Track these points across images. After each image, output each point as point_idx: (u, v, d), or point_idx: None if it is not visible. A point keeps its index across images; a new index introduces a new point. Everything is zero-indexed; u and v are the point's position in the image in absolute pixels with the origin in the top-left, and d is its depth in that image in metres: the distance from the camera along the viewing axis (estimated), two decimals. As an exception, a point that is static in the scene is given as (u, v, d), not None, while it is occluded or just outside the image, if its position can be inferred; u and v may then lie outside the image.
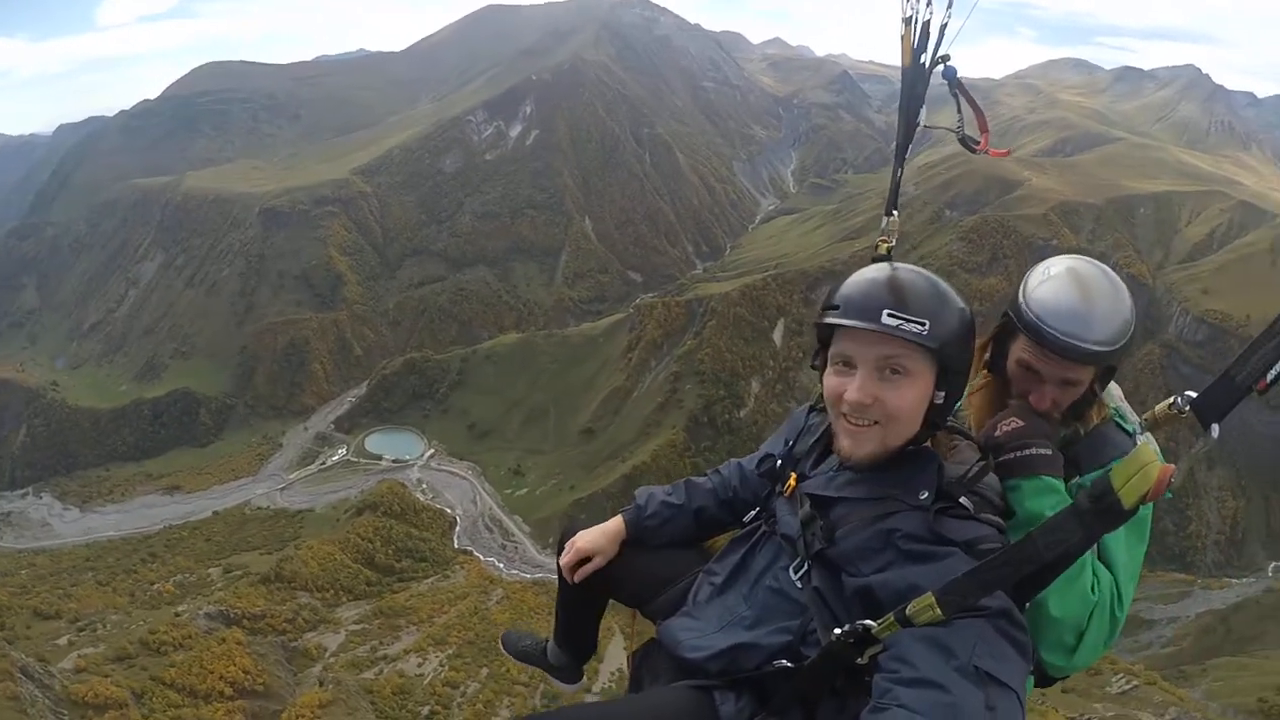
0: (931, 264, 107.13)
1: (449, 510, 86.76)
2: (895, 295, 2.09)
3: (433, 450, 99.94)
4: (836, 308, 2.16)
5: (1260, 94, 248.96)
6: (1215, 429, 1.62)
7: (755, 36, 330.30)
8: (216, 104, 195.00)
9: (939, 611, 1.74)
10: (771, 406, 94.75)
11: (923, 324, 2.04)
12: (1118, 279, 2.60)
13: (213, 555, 78.57)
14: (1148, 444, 1.75)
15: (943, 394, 2.15)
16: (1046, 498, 2.33)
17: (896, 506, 2.10)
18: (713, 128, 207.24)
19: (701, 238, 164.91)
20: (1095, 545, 2.38)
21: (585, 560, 2.92)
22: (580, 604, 3.21)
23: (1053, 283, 2.58)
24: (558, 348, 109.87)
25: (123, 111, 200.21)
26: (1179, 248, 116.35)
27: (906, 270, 2.19)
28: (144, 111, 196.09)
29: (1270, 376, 1.52)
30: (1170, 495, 2.10)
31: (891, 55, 2.92)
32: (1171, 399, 1.77)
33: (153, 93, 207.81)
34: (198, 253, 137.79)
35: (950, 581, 1.76)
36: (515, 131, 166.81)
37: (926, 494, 2.08)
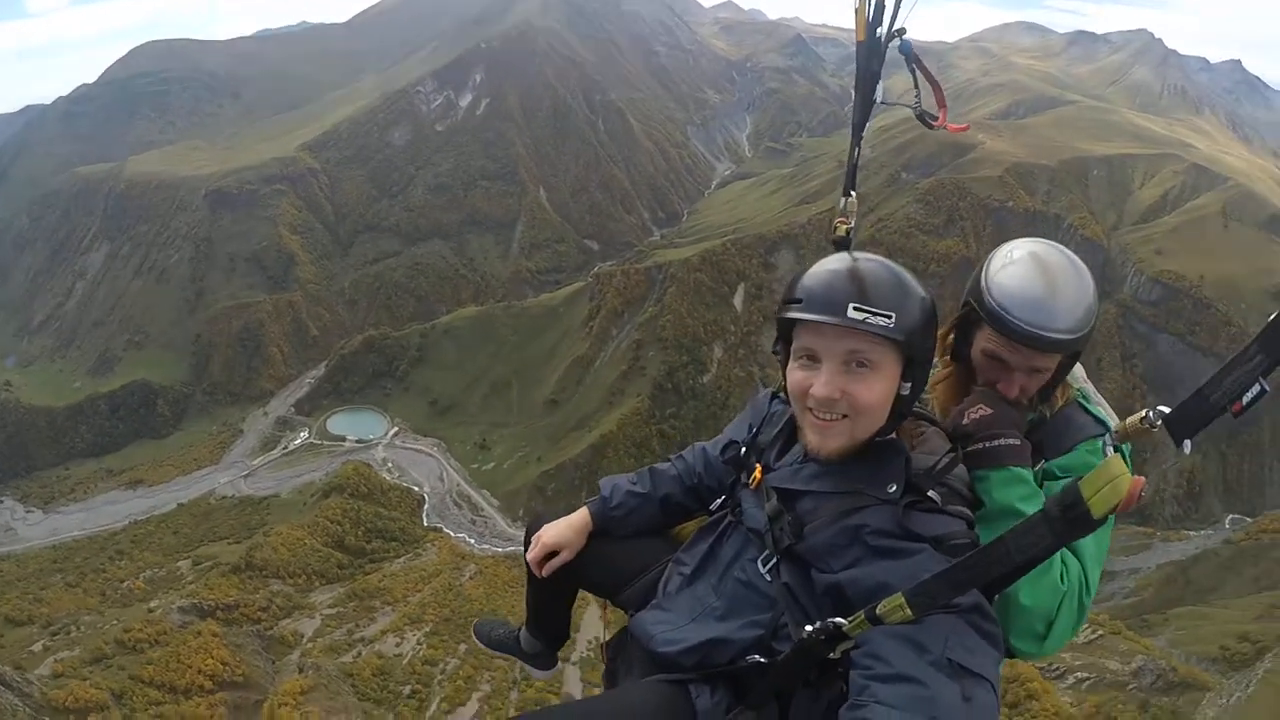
0: (889, 226, 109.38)
1: (416, 488, 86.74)
2: (859, 288, 2.07)
3: (396, 429, 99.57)
4: (799, 301, 2.13)
5: (1213, 59, 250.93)
6: (1188, 445, 1.63)
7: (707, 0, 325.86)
8: (156, 85, 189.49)
9: (909, 612, 1.74)
10: (735, 371, 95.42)
11: (889, 316, 2.02)
12: (1080, 263, 2.58)
13: (181, 548, 78.17)
14: (1118, 457, 1.75)
15: (909, 385, 2.15)
16: (1015, 488, 2.35)
17: (865, 501, 2.09)
18: (666, 93, 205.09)
19: (658, 204, 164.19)
20: None
21: (552, 554, 2.89)
22: (550, 595, 3.20)
23: (1015, 269, 2.56)
24: (517, 319, 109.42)
25: (60, 98, 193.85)
26: (1132, 209, 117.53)
27: (868, 260, 2.17)
28: (82, 97, 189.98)
29: (1246, 399, 1.51)
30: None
31: (845, 18, 2.89)
32: (1144, 412, 1.74)
33: (89, 78, 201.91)
34: (144, 240, 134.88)
35: (921, 583, 1.75)
36: (465, 101, 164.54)
37: (894, 487, 2.08)
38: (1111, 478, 1.60)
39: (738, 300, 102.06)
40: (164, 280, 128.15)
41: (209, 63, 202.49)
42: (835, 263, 2.18)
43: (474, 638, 3.75)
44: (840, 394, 2.11)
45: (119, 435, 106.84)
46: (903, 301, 2.07)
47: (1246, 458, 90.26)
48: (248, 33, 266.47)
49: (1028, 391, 2.61)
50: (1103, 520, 1.64)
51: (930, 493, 2.08)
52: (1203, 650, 46.65)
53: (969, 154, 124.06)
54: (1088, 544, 2.40)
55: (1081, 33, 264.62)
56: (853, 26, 2.80)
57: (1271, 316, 1.44)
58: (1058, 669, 40.07)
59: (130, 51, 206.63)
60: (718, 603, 2.37)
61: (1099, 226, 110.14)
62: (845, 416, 2.14)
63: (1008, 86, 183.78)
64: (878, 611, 1.79)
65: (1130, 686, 38.15)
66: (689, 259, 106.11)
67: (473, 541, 76.45)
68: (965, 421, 2.42)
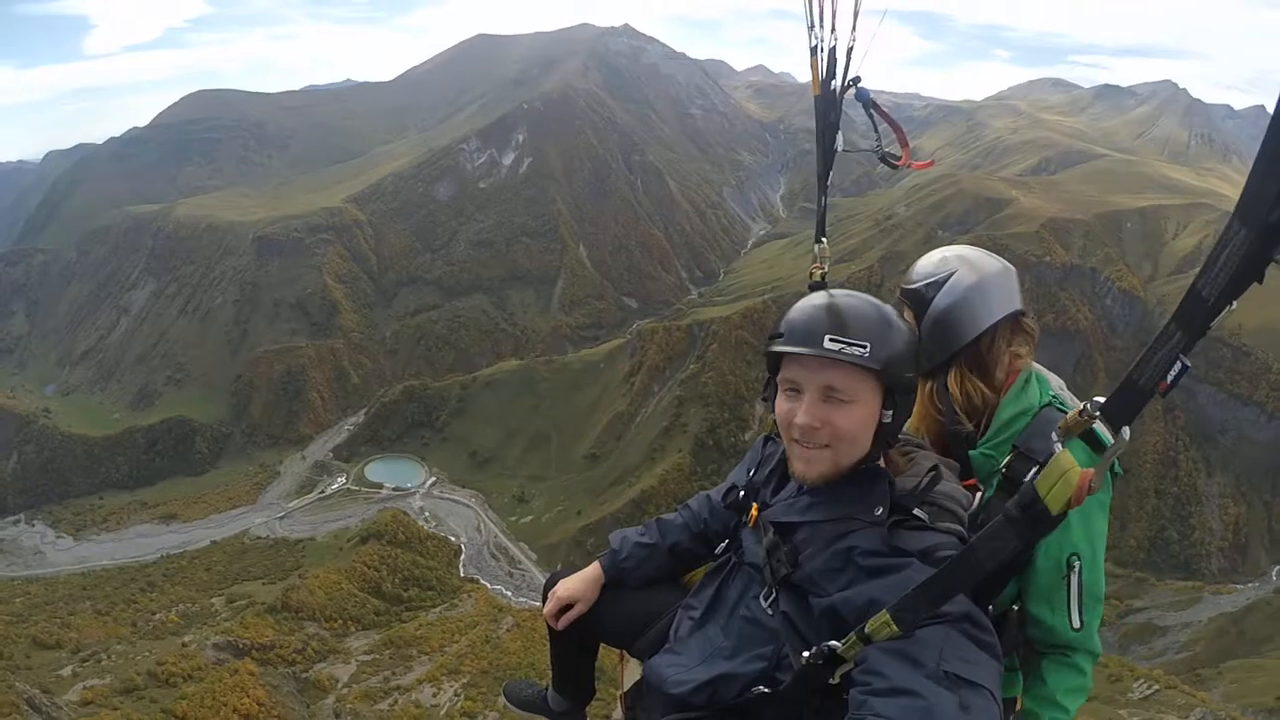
0: None
1: (453, 538, 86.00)
2: (836, 320, 2.15)
3: (434, 478, 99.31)
4: (781, 335, 2.23)
5: (1237, 106, 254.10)
6: (1126, 432, 1.63)
7: (739, 64, 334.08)
8: (206, 132, 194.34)
9: (895, 628, 1.80)
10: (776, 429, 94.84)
11: (864, 346, 2.09)
12: (964, 249, 3.00)
13: (214, 585, 77.48)
14: (1067, 452, 1.76)
15: (890, 413, 2.20)
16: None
17: (854, 525, 2.15)
18: (701, 154, 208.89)
19: (695, 263, 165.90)
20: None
21: (568, 608, 2.97)
22: (572, 651, 3.26)
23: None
24: (558, 374, 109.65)
25: (112, 139, 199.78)
26: (1167, 260, 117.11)
27: (846, 296, 2.25)
28: (134, 139, 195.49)
29: (1170, 378, 1.54)
30: (1119, 472, 2.37)
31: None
32: (1081, 406, 1.74)
33: (140, 121, 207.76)
34: (190, 280, 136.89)
35: (903, 598, 1.80)
36: (508, 160, 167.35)
37: (881, 509, 2.14)
38: (1062, 472, 1.67)
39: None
40: (208, 321, 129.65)
41: (258, 114, 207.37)
42: (816, 298, 2.28)
43: (504, 699, 3.83)
44: (821, 423, 2.18)
45: (154, 469, 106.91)
46: (881, 333, 2.13)
47: None
48: (296, 88, 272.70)
49: None
50: (1062, 515, 1.70)
51: (918, 511, 2.12)
52: (1258, 702, 45.57)
53: (1004, 210, 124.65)
54: (1080, 541, 2.52)
55: (1107, 86, 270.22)
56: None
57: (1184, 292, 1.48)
58: None
59: (182, 99, 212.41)
60: (726, 642, 2.43)
61: (1136, 279, 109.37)
62: (828, 445, 2.21)
63: (1037, 143, 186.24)
64: (867, 630, 1.85)
65: (1191, 738, 36.98)
66: (730, 316, 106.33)
67: (509, 594, 75.56)
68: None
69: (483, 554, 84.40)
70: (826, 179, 3.26)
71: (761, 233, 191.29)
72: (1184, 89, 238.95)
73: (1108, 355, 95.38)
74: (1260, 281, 1.36)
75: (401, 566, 76.05)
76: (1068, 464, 1.69)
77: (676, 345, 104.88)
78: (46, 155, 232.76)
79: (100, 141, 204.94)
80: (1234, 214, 1.29)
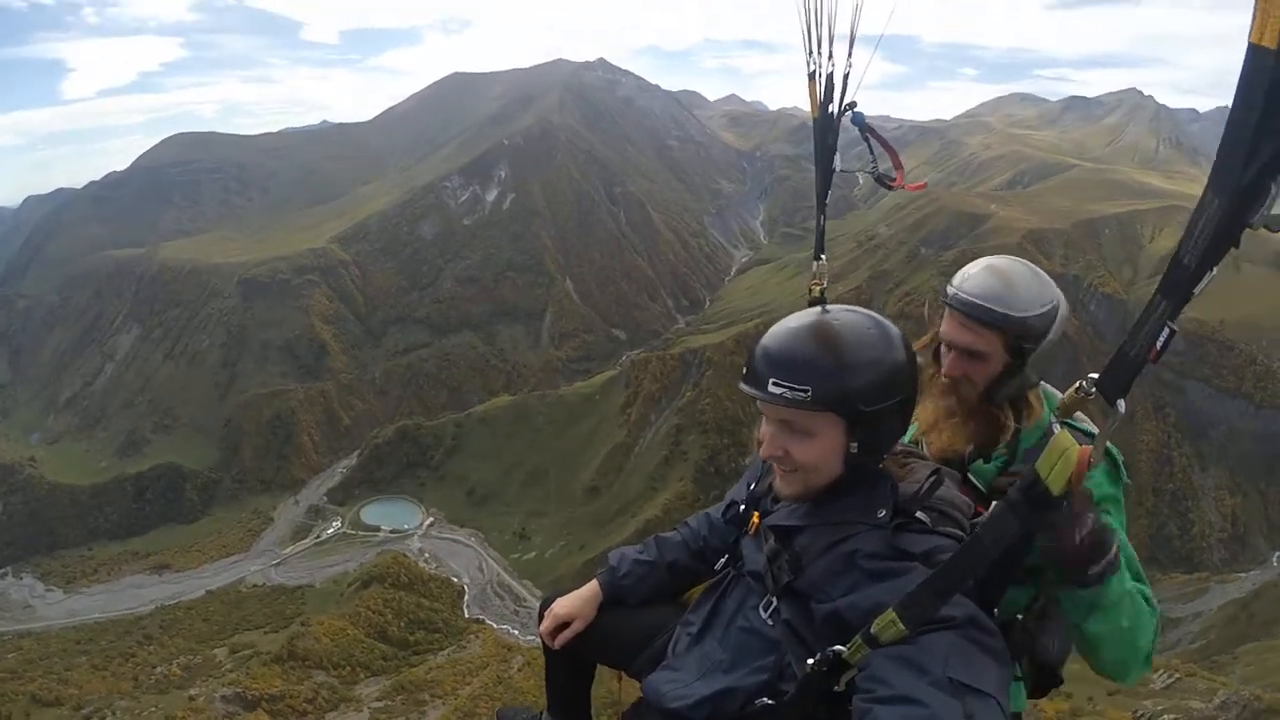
0: (916, 299, 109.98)
1: (455, 579, 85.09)
2: (780, 363, 2.12)
3: (432, 519, 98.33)
4: (744, 371, 2.22)
5: (1201, 109, 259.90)
6: (1121, 404, 1.65)
7: (711, 94, 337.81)
8: (186, 175, 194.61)
9: (902, 626, 1.80)
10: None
11: (805, 391, 2.06)
12: (1034, 268, 2.76)
13: (214, 635, 76.07)
14: (1065, 432, 1.77)
15: (856, 445, 2.16)
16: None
17: (856, 529, 2.14)
18: (681, 184, 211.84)
19: (681, 292, 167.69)
20: None
21: (564, 626, 2.94)
22: (567, 672, 3.22)
23: (975, 264, 2.82)
24: (553, 408, 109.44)
25: (92, 182, 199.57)
26: (1146, 263, 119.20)
27: (806, 329, 2.19)
28: (113, 183, 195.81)
29: (1159, 344, 1.57)
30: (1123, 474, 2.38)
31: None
32: (1077, 384, 1.76)
33: (118, 165, 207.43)
34: (175, 324, 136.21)
35: (909, 594, 1.81)
36: (491, 196, 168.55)
37: (884, 512, 2.13)
38: (1061, 451, 1.69)
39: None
40: (195, 365, 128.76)
41: (238, 156, 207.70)
42: (779, 329, 2.24)
43: None
44: (782, 452, 2.20)
45: (145, 518, 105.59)
46: (829, 373, 2.08)
47: None
48: (273, 130, 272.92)
49: (972, 380, 2.72)
50: (1063, 496, 1.73)
51: (919, 515, 2.11)
52: (1277, 680, 45.49)
53: (984, 225, 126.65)
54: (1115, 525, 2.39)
55: (1074, 98, 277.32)
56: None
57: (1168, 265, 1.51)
58: (1142, 715, 39.12)
59: (161, 142, 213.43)
60: (723, 655, 2.40)
61: (1117, 283, 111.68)
62: (795, 470, 2.22)
63: (1011, 157, 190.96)
64: (873, 631, 1.85)
65: (1220, 720, 37.09)
66: (723, 342, 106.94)
67: (517, 632, 74.48)
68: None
69: (486, 593, 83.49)
70: (825, 198, 3.26)
71: (744, 259, 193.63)
72: (1149, 96, 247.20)
73: (1095, 360, 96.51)
74: (1237, 246, 1.40)
75: (406, 610, 74.95)
76: (1066, 443, 1.71)
77: (670, 374, 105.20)
78: (25, 200, 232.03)
79: (79, 186, 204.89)
80: (1207, 185, 1.36)
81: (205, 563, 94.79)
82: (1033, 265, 2.76)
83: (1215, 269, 1.43)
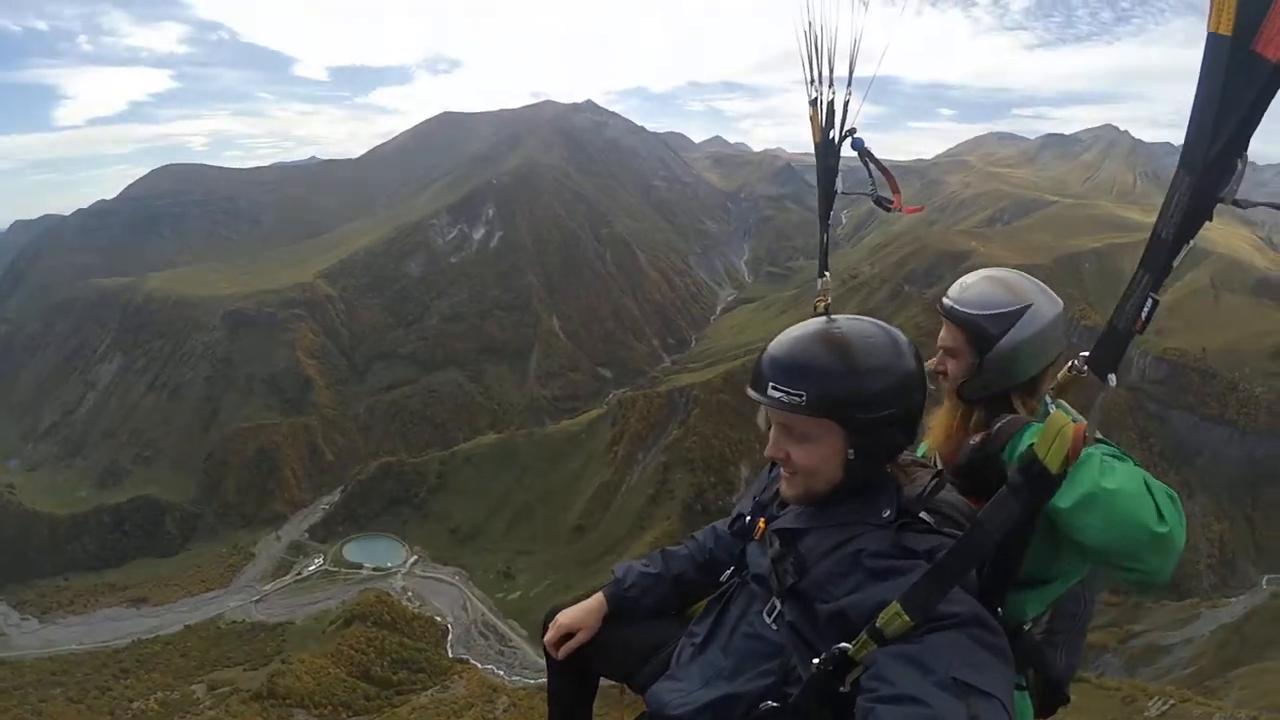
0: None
1: (439, 618, 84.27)
2: (780, 367, 2.18)
3: (415, 557, 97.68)
4: (751, 374, 2.31)
5: (1176, 142, 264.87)
6: (1112, 378, 1.75)
7: (696, 136, 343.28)
8: (174, 206, 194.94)
9: (907, 618, 1.80)
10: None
11: (799, 395, 2.10)
12: (1017, 277, 2.83)
13: (192, 671, 75.02)
14: (1059, 412, 1.83)
15: (854, 451, 2.19)
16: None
17: (860, 529, 2.16)
18: (666, 224, 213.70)
19: (667, 331, 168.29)
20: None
21: (569, 636, 2.95)
22: (570, 687, 3.18)
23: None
24: (539, 446, 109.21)
25: (80, 210, 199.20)
26: None
27: (811, 335, 2.25)
28: (101, 211, 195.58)
29: (1144, 316, 1.73)
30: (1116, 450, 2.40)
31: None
32: (1069, 363, 1.83)
33: (106, 194, 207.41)
34: (159, 355, 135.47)
35: (913, 585, 1.82)
36: (479, 234, 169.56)
37: (889, 511, 2.16)
38: (1057, 430, 1.75)
39: (761, 419, 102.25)
40: (177, 397, 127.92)
41: (227, 188, 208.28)
42: (779, 339, 2.31)
43: None
44: (784, 455, 2.27)
45: (122, 550, 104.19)
46: (828, 379, 2.12)
47: (1273, 517, 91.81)
48: (264, 164, 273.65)
49: (951, 376, 2.85)
50: (1062, 475, 1.78)
51: (922, 515, 2.14)
52: (1272, 703, 45.52)
53: (966, 261, 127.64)
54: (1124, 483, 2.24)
55: (1052, 135, 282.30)
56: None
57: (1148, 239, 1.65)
58: None
59: (150, 172, 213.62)
60: (726, 662, 2.42)
61: (1098, 315, 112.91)
62: (797, 473, 2.28)
63: (991, 195, 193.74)
64: (878, 624, 1.85)
65: (1217, 744, 37.18)
66: (710, 380, 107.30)
67: (502, 673, 73.85)
68: (974, 440, 2.51)
69: (471, 633, 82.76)
70: (828, 219, 3.44)
71: (729, 298, 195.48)
72: (1125, 131, 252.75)
73: (1079, 390, 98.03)
74: (1210, 219, 1.49)
75: (389, 649, 74.11)
76: (1062, 421, 1.76)
77: (657, 412, 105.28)
78: (12, 225, 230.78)
79: (67, 213, 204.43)
80: (1179, 164, 1.49)
81: (184, 597, 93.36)
82: (1019, 274, 2.84)
83: (1191, 242, 1.56)
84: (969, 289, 2.81)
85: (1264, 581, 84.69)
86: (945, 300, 2.85)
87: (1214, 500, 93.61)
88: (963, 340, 2.78)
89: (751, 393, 2.24)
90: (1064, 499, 2.12)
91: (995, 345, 2.71)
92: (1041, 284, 2.81)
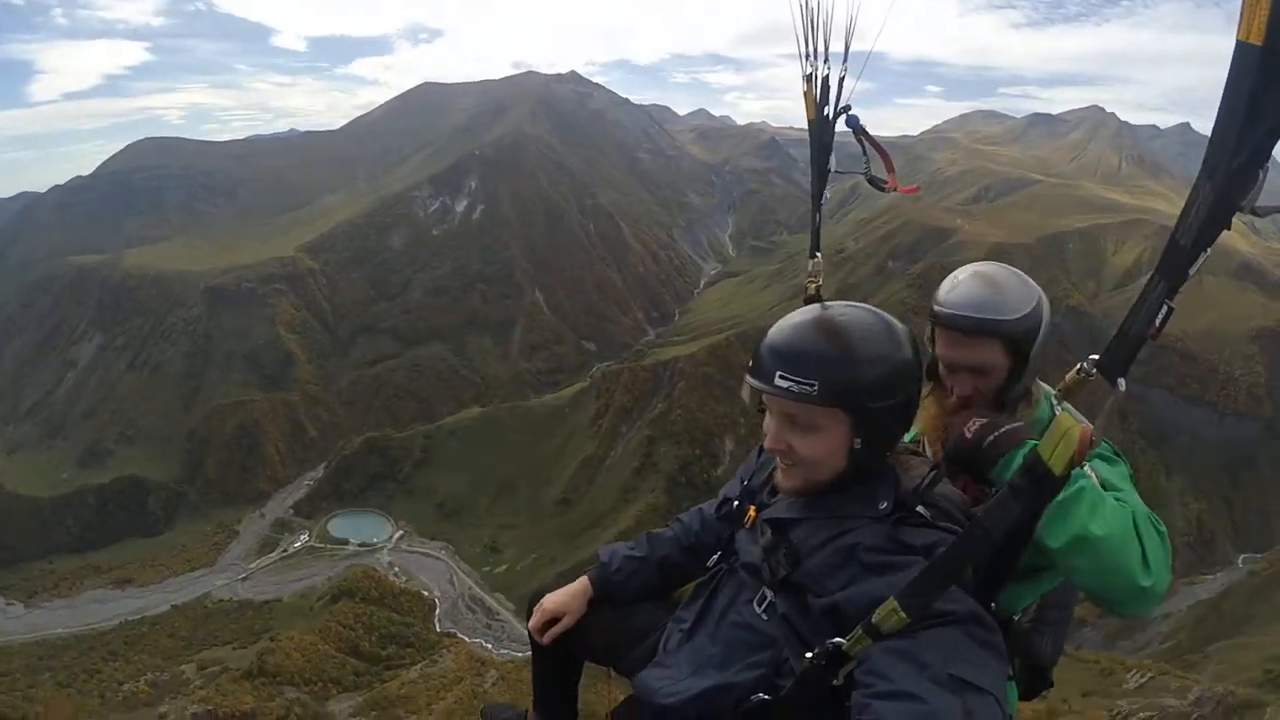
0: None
1: (426, 593, 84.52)
2: (787, 356, 2.12)
3: (401, 532, 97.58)
4: (750, 364, 2.24)
5: (1162, 125, 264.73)
6: (1121, 383, 1.74)
7: (680, 109, 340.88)
8: (151, 181, 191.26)
9: (904, 615, 1.79)
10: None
11: (810, 385, 2.06)
12: (1018, 273, 2.85)
13: (181, 652, 74.69)
14: (1065, 414, 1.81)
15: (860, 441, 2.16)
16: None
17: (856, 522, 2.14)
18: (650, 196, 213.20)
19: (651, 304, 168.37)
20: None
21: (554, 621, 2.92)
22: (555, 669, 3.19)
23: (959, 275, 2.86)
24: (523, 420, 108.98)
25: (56, 187, 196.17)
26: (1109, 276, 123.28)
27: (813, 323, 2.21)
28: (78, 187, 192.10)
29: (1158, 322, 1.69)
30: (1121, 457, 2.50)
31: (805, 121, 3.19)
32: (1078, 365, 1.81)
33: (82, 170, 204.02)
34: (139, 333, 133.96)
35: (911, 582, 1.81)
36: (461, 206, 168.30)
37: (886, 504, 2.13)
38: (1063, 432, 1.74)
39: (745, 393, 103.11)
40: (158, 374, 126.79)
41: (205, 162, 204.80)
42: (780, 327, 2.25)
43: None
44: (785, 446, 2.20)
45: (107, 531, 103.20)
46: (837, 368, 2.08)
47: (1251, 498, 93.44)
48: (240, 137, 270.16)
49: (983, 393, 2.77)
50: (1065, 476, 1.77)
51: (919, 509, 2.11)
52: (1248, 677, 46.22)
53: (950, 239, 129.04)
54: (1130, 496, 2.46)
55: (1038, 115, 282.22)
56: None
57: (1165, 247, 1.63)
58: (1118, 714, 39.92)
59: (127, 147, 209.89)
60: (715, 650, 2.40)
61: (1082, 296, 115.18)
62: (796, 464, 2.22)
63: (976, 172, 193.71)
64: (874, 620, 1.84)
65: (1194, 716, 37.77)
66: (695, 354, 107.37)
67: (490, 646, 73.99)
68: (969, 435, 2.45)
69: (458, 607, 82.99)
70: (821, 198, 3.30)
71: (713, 272, 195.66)
72: (1111, 113, 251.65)
73: (1062, 369, 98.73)
74: (1229, 228, 1.48)
75: (378, 624, 74.29)
76: (1068, 423, 1.74)
77: (642, 385, 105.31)
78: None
79: (43, 190, 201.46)
80: (1200, 171, 1.45)
81: (169, 577, 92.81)
82: (997, 265, 2.88)
83: (1209, 249, 1.53)
84: (989, 299, 2.71)
85: (1240, 560, 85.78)
86: (973, 315, 2.69)
87: (1192, 480, 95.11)
88: (1000, 351, 2.71)
89: (756, 383, 2.17)
90: (1053, 538, 2.14)
91: (1034, 345, 2.71)
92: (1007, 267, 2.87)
